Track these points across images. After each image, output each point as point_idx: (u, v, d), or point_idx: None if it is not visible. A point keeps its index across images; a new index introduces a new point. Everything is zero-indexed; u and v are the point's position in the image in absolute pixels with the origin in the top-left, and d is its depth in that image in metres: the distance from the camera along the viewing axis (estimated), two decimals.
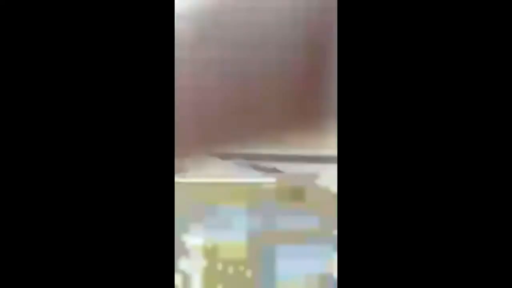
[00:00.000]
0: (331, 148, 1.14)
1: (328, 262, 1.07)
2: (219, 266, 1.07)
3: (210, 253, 1.09)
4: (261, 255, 1.12)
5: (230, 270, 1.06)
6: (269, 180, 1.09)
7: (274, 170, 1.31)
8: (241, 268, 1.06)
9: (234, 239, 1.06)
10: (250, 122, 1.45)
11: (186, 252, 1.51)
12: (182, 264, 1.59)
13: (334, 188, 1.08)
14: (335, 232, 1.03)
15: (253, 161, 1.39)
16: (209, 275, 1.09)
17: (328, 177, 1.13)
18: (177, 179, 1.14)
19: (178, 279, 1.64)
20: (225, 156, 1.31)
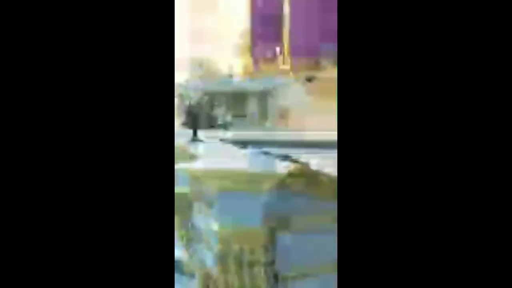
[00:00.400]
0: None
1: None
2: (234, 251, 1.09)
3: (225, 238, 1.11)
4: (276, 240, 1.13)
5: (245, 254, 1.08)
6: (283, 167, 1.11)
7: (288, 158, 1.32)
8: (256, 253, 1.08)
9: (248, 225, 1.08)
10: None
11: (200, 237, 1.54)
12: (198, 248, 1.62)
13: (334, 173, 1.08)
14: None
15: (267, 148, 1.40)
16: (224, 260, 1.10)
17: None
18: (192, 166, 1.17)
19: (193, 263, 1.67)
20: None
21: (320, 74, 7.33)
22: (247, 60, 9.26)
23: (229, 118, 6.71)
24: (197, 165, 1.15)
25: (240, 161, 1.31)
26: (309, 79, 2.08)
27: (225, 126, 6.62)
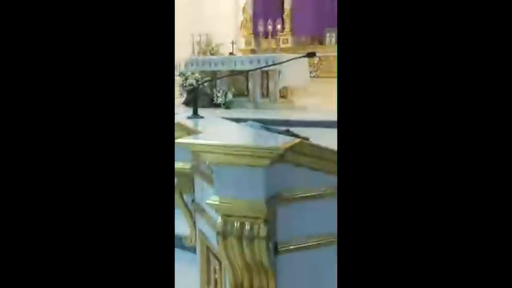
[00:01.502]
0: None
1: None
2: (235, 225, 1.10)
3: (226, 212, 1.11)
4: (277, 214, 1.14)
5: (247, 228, 1.09)
6: (284, 141, 1.11)
7: (288, 133, 1.32)
8: (257, 226, 1.08)
9: (250, 198, 1.08)
10: None
11: (202, 212, 1.55)
12: (199, 223, 1.64)
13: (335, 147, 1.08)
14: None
15: (267, 124, 1.41)
16: (226, 234, 1.11)
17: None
18: (193, 141, 1.16)
19: (195, 238, 1.69)
20: None
21: (322, 52, 7.28)
22: (248, 37, 9.18)
23: (229, 96, 6.70)
24: (198, 140, 1.14)
25: (241, 136, 1.30)
26: (310, 55, 2.07)
27: (225, 105, 6.61)
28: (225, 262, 1.19)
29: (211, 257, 1.51)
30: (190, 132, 1.43)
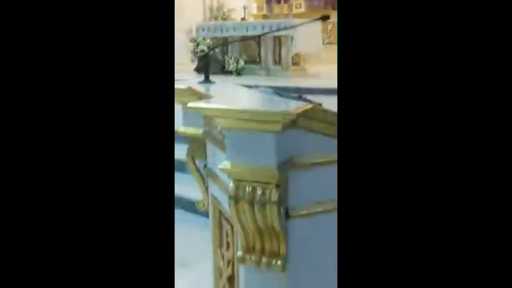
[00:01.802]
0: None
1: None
2: (247, 190, 1.10)
3: (238, 177, 1.12)
4: (288, 178, 1.14)
5: (258, 192, 1.10)
6: (296, 106, 1.09)
7: (300, 98, 1.31)
8: (268, 191, 1.09)
9: (261, 164, 1.08)
10: None
11: (214, 177, 1.56)
12: (211, 188, 1.66)
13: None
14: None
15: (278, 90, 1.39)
16: (238, 198, 1.12)
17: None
18: (204, 105, 1.16)
19: (208, 202, 1.71)
20: None
21: (335, 17, 7.12)
22: (260, 2, 8.99)
23: (241, 63, 6.62)
24: (209, 105, 1.13)
25: (253, 100, 1.29)
26: (324, 18, 2.01)
27: (237, 72, 6.55)
28: (237, 226, 1.21)
29: (223, 221, 1.54)
30: (201, 96, 1.42)
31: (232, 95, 1.45)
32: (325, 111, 1.18)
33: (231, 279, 1.49)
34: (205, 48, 6.70)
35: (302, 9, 7.96)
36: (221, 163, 1.15)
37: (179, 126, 1.54)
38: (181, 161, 1.69)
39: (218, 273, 1.65)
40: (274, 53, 6.54)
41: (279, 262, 1.18)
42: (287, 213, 1.16)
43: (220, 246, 1.59)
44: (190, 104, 1.14)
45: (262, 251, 1.20)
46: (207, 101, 1.25)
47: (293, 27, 5.01)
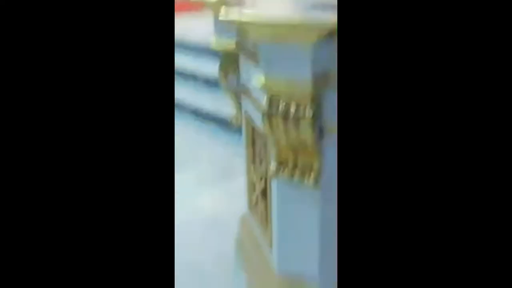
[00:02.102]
0: None
1: None
2: (281, 105, 1.08)
3: (272, 93, 1.09)
4: (323, 95, 1.10)
5: (292, 108, 1.07)
6: (335, 16, 1.02)
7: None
8: (303, 106, 1.06)
9: (296, 79, 1.04)
10: None
11: (248, 93, 1.53)
12: (244, 104, 1.64)
13: None
14: None
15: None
16: (271, 114, 1.10)
17: None
18: (237, 15, 1.10)
19: (241, 118, 1.70)
20: None
21: None
22: None
23: None
24: (242, 14, 1.07)
25: (289, 9, 1.22)
26: None
27: None
28: (270, 141, 1.20)
29: (256, 137, 1.54)
30: (234, 5, 1.35)
31: (266, 4, 1.36)
32: None
33: (264, 192, 1.52)
34: None
35: None
36: (255, 78, 1.12)
37: (212, 39, 1.49)
38: (214, 76, 1.66)
39: (251, 187, 1.69)
40: None
41: (311, 178, 1.18)
42: (321, 129, 1.13)
43: (253, 161, 1.61)
44: (221, 15, 1.09)
45: (295, 166, 1.20)
46: (240, 11, 1.18)
47: None
